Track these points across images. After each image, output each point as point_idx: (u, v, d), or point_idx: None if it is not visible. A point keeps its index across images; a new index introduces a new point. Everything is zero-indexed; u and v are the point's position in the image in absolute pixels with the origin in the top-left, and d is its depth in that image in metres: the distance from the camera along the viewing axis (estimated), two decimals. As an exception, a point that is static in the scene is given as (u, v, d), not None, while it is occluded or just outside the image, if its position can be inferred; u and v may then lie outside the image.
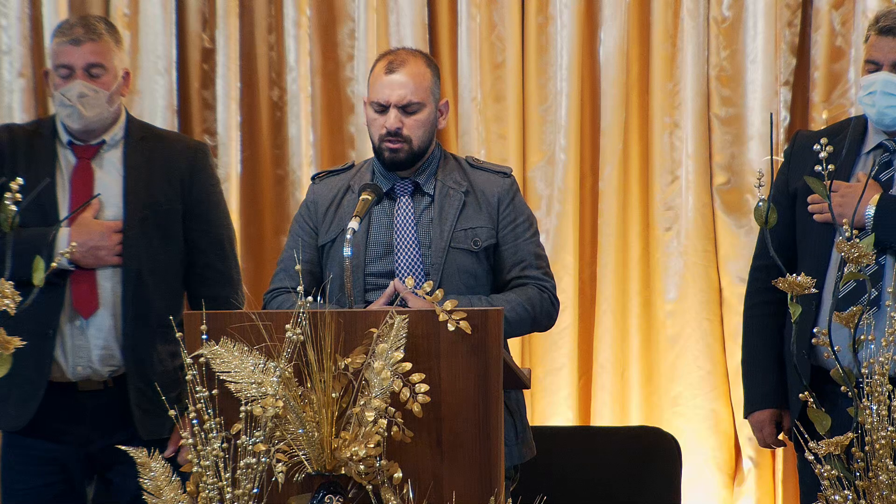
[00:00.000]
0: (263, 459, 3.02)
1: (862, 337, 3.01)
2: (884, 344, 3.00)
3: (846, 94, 5.09)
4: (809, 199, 3.84)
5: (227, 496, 3.03)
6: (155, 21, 5.27)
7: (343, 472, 3.04)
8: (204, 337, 3.09)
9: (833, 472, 3.01)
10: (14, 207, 2.99)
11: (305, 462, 3.06)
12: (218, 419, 3.04)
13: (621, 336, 5.23)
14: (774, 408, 4.00)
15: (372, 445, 3.00)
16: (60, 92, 3.97)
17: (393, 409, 3.05)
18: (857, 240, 2.99)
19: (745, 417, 4.07)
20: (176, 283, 4.08)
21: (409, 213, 3.72)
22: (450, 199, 3.72)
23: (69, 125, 4.01)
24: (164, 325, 3.89)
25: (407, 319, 3.07)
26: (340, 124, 5.34)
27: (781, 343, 3.93)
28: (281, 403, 3.02)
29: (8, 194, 2.98)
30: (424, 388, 3.07)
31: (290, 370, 3.04)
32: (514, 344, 4.90)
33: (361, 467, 3.01)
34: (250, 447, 3.02)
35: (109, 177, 4.04)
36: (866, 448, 3.01)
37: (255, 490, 3.03)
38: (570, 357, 5.21)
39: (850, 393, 3.02)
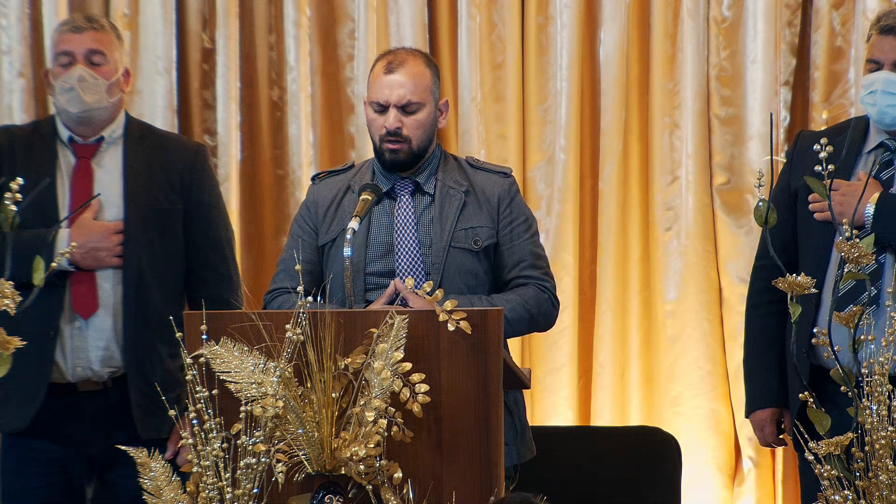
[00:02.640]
0: (263, 459, 3.02)
1: (862, 337, 3.02)
2: (884, 344, 3.00)
3: (846, 94, 5.09)
4: (810, 198, 3.84)
5: (227, 496, 3.03)
6: (155, 21, 5.27)
7: (343, 472, 3.04)
8: (204, 337, 3.09)
9: (833, 472, 3.01)
10: (14, 207, 2.99)
11: (305, 462, 3.06)
12: (218, 419, 3.04)
13: (621, 336, 5.22)
14: (775, 407, 4.00)
15: (372, 445, 3.00)
16: (61, 80, 3.97)
17: (393, 409, 3.05)
18: (857, 239, 3.00)
19: (747, 417, 4.07)
20: (176, 284, 4.08)
21: (410, 213, 3.72)
22: (450, 199, 3.72)
23: (69, 110, 3.99)
24: (165, 326, 3.88)
25: (407, 319, 3.07)
26: (340, 124, 5.34)
27: (783, 343, 3.93)
28: (281, 403, 3.02)
29: (8, 194, 2.98)
30: (424, 388, 3.07)
31: (290, 370, 3.05)
32: (514, 344, 4.90)
33: (361, 467, 3.01)
34: (250, 447, 3.02)
35: (110, 177, 4.04)
36: (866, 448, 3.01)
37: (255, 490, 3.03)
38: (570, 357, 5.21)
39: (850, 393, 3.02)
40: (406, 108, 3.69)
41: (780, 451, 5.02)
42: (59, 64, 3.99)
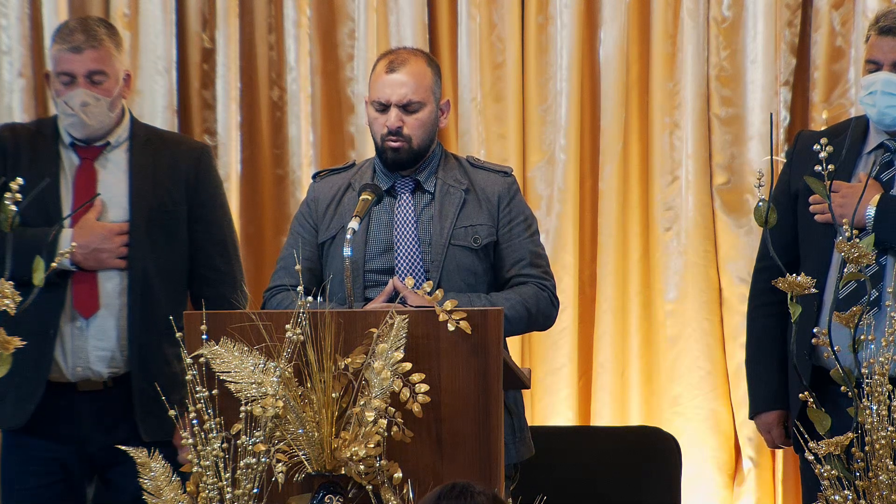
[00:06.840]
0: (263, 459, 3.03)
1: (862, 337, 3.02)
2: (884, 344, 3.01)
3: (846, 94, 5.09)
4: (811, 199, 3.84)
5: (227, 496, 3.03)
6: (155, 21, 5.26)
7: (343, 472, 3.05)
8: (204, 337, 3.09)
9: (833, 472, 3.01)
10: (14, 207, 3.00)
11: (305, 462, 3.06)
12: (218, 419, 3.04)
13: (621, 336, 5.22)
14: (781, 409, 3.99)
15: (372, 445, 3.01)
16: (63, 100, 3.96)
17: (393, 409, 3.05)
18: (858, 240, 3.00)
19: (751, 418, 4.07)
20: (180, 286, 4.08)
21: (410, 211, 3.72)
22: (450, 197, 3.73)
23: (72, 133, 4.01)
24: (169, 328, 3.88)
25: (407, 319, 3.08)
26: (340, 124, 5.34)
27: (785, 344, 3.93)
28: (281, 403, 3.02)
29: (8, 194, 2.99)
30: (424, 388, 3.07)
31: (290, 370, 3.05)
32: (514, 344, 4.90)
33: (361, 467, 3.02)
34: (250, 447, 3.02)
35: (113, 177, 4.04)
36: (866, 448, 3.01)
37: (255, 490, 3.03)
38: (570, 357, 5.21)
39: (850, 393, 3.02)
40: (407, 108, 3.69)
41: (780, 451, 5.02)
42: (61, 82, 3.98)
